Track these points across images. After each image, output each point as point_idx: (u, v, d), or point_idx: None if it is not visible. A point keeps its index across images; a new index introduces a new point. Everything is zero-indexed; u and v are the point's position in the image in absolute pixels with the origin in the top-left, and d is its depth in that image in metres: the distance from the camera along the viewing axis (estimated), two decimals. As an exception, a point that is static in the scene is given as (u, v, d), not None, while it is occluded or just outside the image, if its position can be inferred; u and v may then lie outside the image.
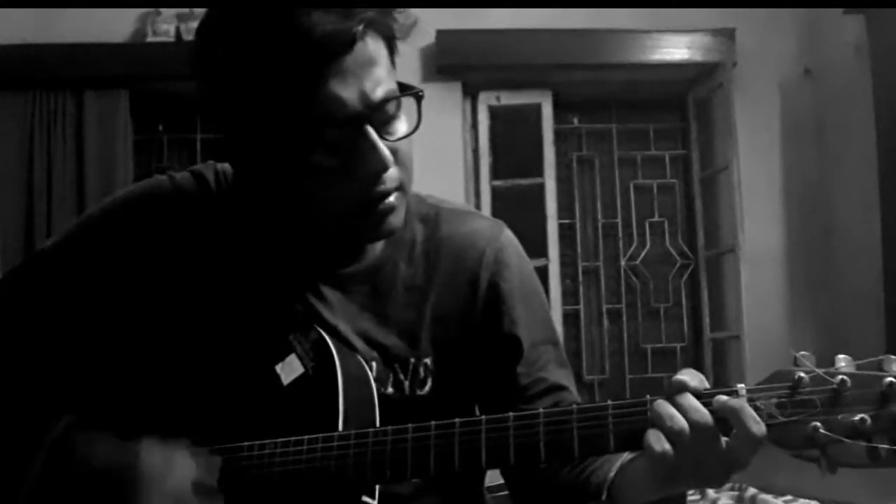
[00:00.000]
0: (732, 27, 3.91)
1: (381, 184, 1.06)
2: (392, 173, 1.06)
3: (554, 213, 3.96)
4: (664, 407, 0.93)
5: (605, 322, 4.10)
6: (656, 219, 4.17)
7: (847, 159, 3.83)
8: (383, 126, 1.05)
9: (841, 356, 0.88)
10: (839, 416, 0.86)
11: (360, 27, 1.00)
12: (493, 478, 1.24)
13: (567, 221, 4.10)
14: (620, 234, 4.14)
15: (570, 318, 4.06)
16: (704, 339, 4.08)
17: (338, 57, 1.00)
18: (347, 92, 1.01)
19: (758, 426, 0.88)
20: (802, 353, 0.88)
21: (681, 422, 0.91)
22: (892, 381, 0.84)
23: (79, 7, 3.59)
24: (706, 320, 4.08)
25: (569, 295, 4.06)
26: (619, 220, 4.15)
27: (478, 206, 3.86)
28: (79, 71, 3.67)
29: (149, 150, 3.93)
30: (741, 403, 0.90)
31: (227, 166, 1.22)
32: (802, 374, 0.88)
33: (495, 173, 3.98)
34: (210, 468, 1.05)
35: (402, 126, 1.08)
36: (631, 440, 0.94)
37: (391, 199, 1.08)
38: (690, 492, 3.09)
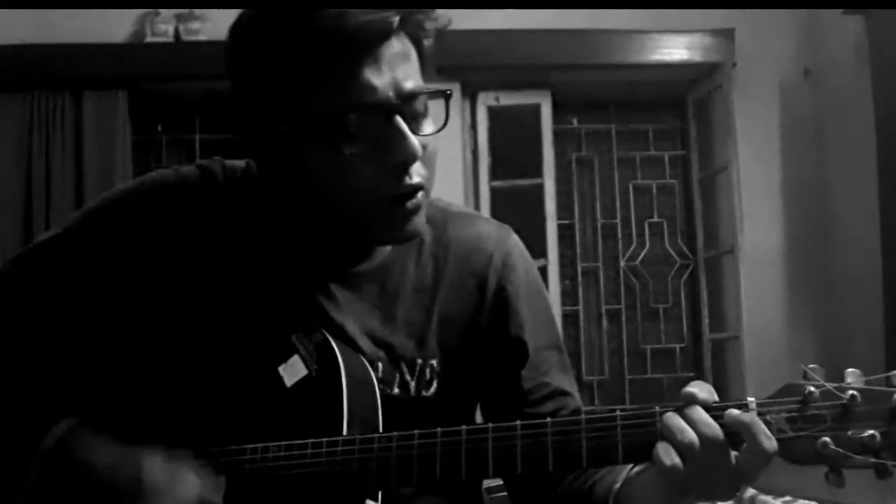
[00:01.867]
0: (732, 27, 3.90)
1: (409, 177, 1.06)
2: (418, 168, 1.07)
3: (553, 213, 3.95)
4: (674, 420, 0.93)
5: (605, 323, 4.09)
6: (655, 219, 4.15)
7: (847, 159, 3.82)
8: (413, 120, 1.06)
9: (850, 370, 0.87)
10: (849, 432, 0.86)
11: (396, 19, 1.02)
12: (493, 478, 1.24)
13: (566, 222, 4.09)
14: (619, 235, 4.13)
15: (570, 319, 4.05)
16: (704, 339, 4.07)
17: (373, 46, 1.01)
18: (381, 80, 1.02)
19: (769, 441, 0.88)
20: (812, 366, 0.88)
21: (691, 435, 0.91)
22: (902, 397, 0.84)
23: (78, 7, 3.57)
24: (705, 321, 4.07)
25: (568, 295, 4.05)
26: (618, 220, 4.13)
27: (477, 207, 3.85)
28: (77, 71, 3.65)
29: (147, 150, 3.91)
30: (753, 418, 0.89)
31: (235, 162, 1.21)
32: (812, 389, 0.88)
33: (494, 174, 3.97)
34: (215, 487, 1.04)
35: (429, 126, 1.09)
36: (640, 452, 0.94)
37: (417, 197, 1.07)
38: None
